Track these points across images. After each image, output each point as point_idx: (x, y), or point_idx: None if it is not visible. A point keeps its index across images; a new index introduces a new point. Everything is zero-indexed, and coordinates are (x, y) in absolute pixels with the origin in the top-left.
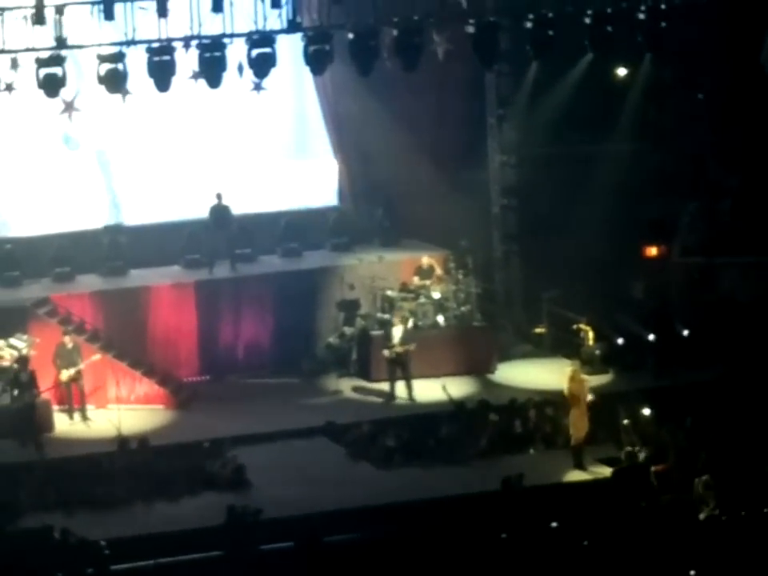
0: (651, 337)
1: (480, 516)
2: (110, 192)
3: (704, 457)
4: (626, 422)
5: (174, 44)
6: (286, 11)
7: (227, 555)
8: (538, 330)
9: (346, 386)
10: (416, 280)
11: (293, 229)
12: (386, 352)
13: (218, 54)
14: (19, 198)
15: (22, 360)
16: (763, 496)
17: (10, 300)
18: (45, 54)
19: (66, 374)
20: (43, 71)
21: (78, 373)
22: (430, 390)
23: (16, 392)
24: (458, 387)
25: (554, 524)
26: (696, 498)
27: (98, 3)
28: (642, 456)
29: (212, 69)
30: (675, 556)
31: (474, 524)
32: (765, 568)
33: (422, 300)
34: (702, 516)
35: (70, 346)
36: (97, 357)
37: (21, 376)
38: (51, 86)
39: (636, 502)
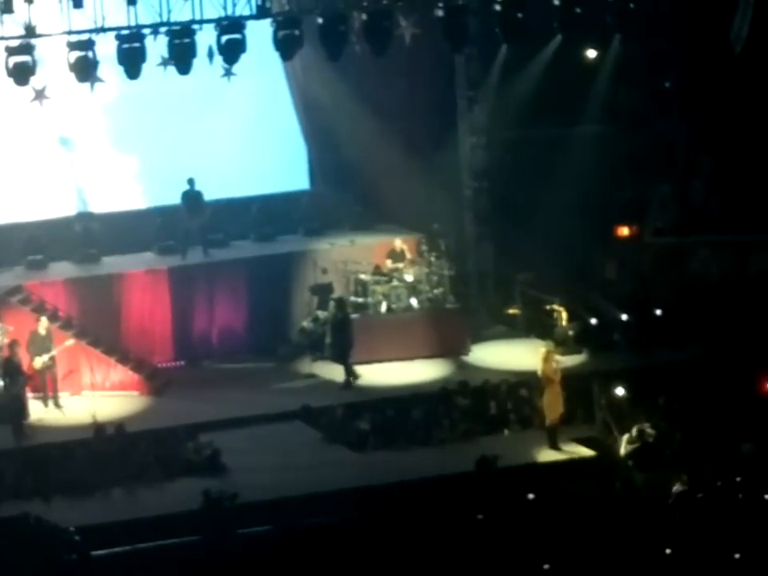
0: (624, 317)
1: (455, 497)
2: (78, 179)
3: (678, 437)
4: (603, 401)
5: (144, 31)
6: None
7: (204, 540)
8: (511, 312)
9: (321, 369)
10: (389, 263)
11: (265, 214)
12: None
13: (187, 40)
14: None
15: (13, 345)
16: (736, 474)
17: None
18: (14, 43)
19: (39, 361)
20: (12, 60)
21: (52, 359)
22: (404, 373)
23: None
24: (432, 369)
25: (531, 495)
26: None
27: None
28: (650, 434)
29: (182, 55)
30: (650, 534)
31: (450, 505)
32: (738, 546)
33: (395, 283)
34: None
35: (43, 333)
36: (70, 342)
37: (13, 360)
38: (21, 74)
39: (612, 481)
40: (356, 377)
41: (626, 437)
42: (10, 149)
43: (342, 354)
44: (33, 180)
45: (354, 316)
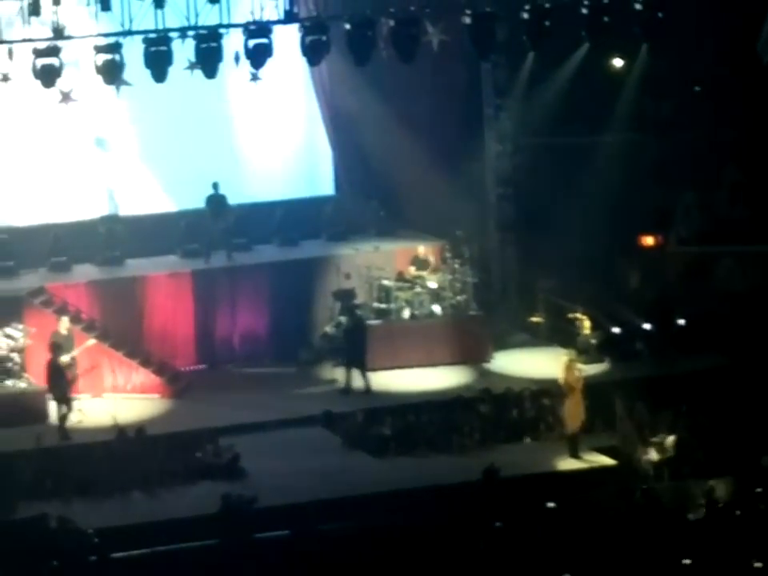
0: (647, 326)
1: (474, 504)
2: (109, 181)
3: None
4: (625, 411)
5: (171, 34)
6: (282, 1)
7: (222, 543)
8: (533, 319)
9: (342, 375)
10: (412, 270)
11: (289, 218)
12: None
13: (214, 44)
14: (15, 187)
15: (56, 347)
16: (758, 485)
17: (5, 290)
18: (41, 45)
19: (61, 362)
20: (40, 62)
21: (73, 359)
22: (426, 379)
23: (11, 381)
24: (454, 376)
25: (551, 504)
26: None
27: None
28: (674, 444)
29: (208, 59)
30: (669, 544)
31: (469, 512)
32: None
33: (418, 289)
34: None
35: (64, 333)
36: (92, 341)
37: (57, 362)
38: (48, 76)
39: (633, 491)
40: (368, 387)
41: (651, 446)
42: (34, 150)
43: (350, 362)
44: (57, 182)
45: (375, 322)
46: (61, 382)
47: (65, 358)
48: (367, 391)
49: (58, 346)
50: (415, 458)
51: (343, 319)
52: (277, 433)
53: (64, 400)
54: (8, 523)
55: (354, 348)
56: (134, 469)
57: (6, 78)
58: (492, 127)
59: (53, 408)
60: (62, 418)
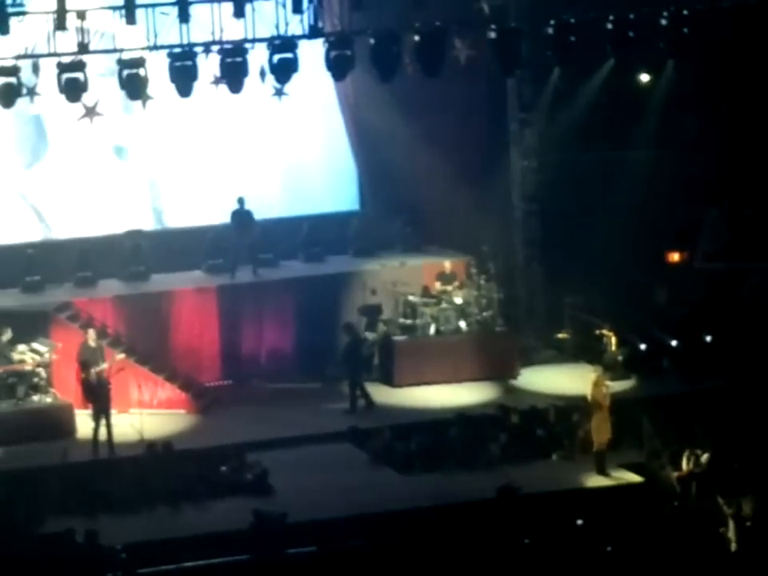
0: (674, 343)
1: (501, 521)
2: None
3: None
4: (654, 428)
5: (196, 49)
6: (307, 17)
7: (253, 559)
8: (560, 336)
9: (369, 391)
10: (438, 285)
11: (315, 234)
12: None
13: (239, 59)
14: (41, 202)
15: (86, 364)
16: None
17: (32, 305)
18: (66, 59)
19: (90, 374)
20: (65, 76)
21: (102, 372)
22: (452, 396)
23: (37, 396)
24: (480, 392)
25: (580, 521)
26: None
27: (120, 8)
28: (704, 461)
29: (233, 74)
30: (697, 561)
31: (495, 529)
32: None
33: (444, 305)
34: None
35: (93, 345)
36: (121, 356)
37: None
38: (73, 90)
39: (659, 507)
40: (370, 403)
41: (683, 462)
42: (59, 165)
43: (352, 379)
44: (83, 197)
45: (401, 338)
46: (101, 395)
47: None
48: (370, 406)
49: (87, 363)
50: (441, 475)
51: (369, 335)
52: (303, 449)
53: (105, 413)
54: (36, 537)
55: (354, 366)
56: (160, 484)
57: (32, 93)
58: (517, 143)
59: (80, 423)
60: (98, 431)
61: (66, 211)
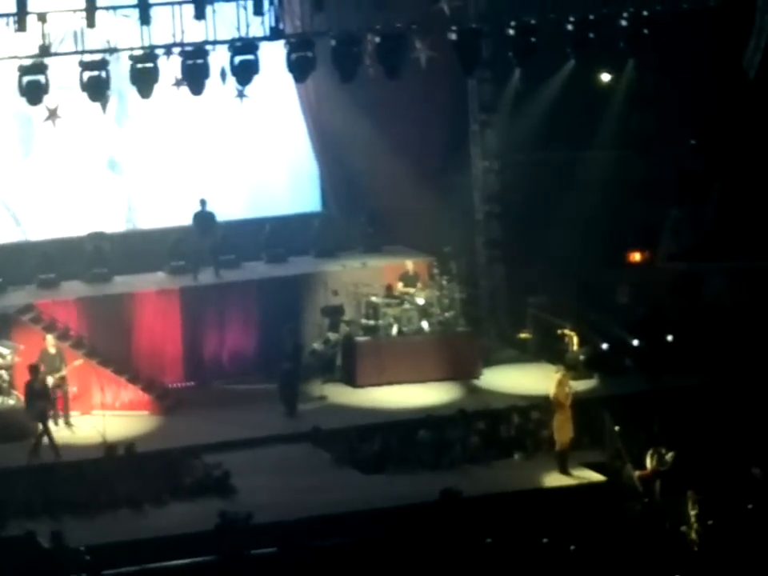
0: (636, 342)
1: (464, 520)
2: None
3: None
4: (616, 428)
5: (157, 51)
6: (268, 18)
7: (217, 560)
8: (522, 336)
9: (331, 391)
10: (400, 286)
11: (277, 235)
12: None
13: (200, 61)
14: (2, 205)
15: (35, 369)
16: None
17: None
18: (27, 62)
19: (49, 380)
20: (26, 79)
21: (62, 378)
22: (414, 396)
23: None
24: (443, 393)
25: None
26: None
27: (81, 11)
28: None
29: (195, 76)
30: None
31: (458, 529)
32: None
33: (407, 306)
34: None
35: (53, 351)
36: (79, 361)
37: (35, 385)
38: (34, 93)
39: (622, 506)
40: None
41: (647, 461)
42: (25, 168)
43: (288, 386)
44: (45, 199)
45: (363, 338)
46: (36, 403)
47: (52, 378)
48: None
49: (35, 368)
50: (405, 475)
51: (332, 336)
52: (266, 449)
53: (41, 420)
54: None
55: (293, 370)
56: (123, 486)
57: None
58: (478, 143)
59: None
60: (39, 436)
61: (27, 214)
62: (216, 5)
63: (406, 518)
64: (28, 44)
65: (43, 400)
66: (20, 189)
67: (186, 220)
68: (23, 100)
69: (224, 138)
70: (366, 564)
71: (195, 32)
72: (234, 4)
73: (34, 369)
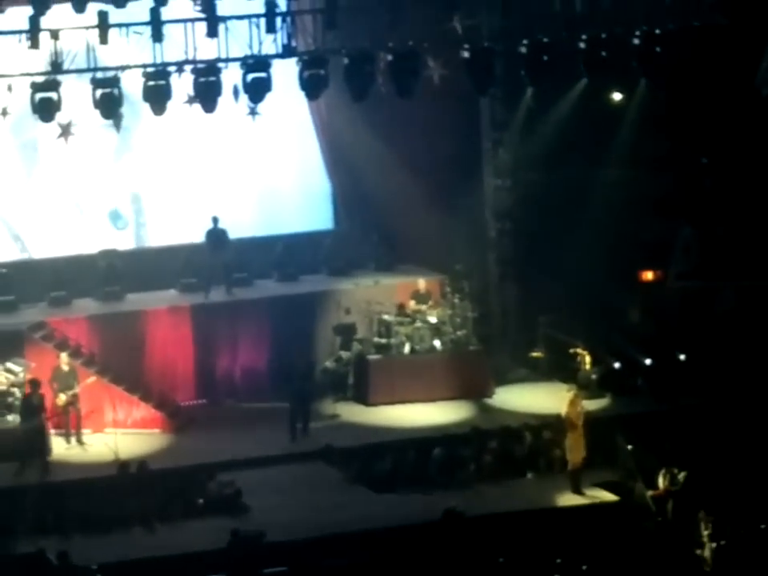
0: (648, 361)
1: (476, 539)
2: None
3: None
4: (629, 447)
5: (169, 68)
6: (281, 36)
7: None
8: (534, 354)
9: (343, 410)
10: (412, 304)
11: (289, 253)
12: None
13: (212, 78)
14: (15, 221)
15: (34, 384)
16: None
17: (6, 324)
18: (40, 79)
19: (62, 398)
20: (38, 96)
21: (75, 396)
22: (427, 415)
23: (11, 416)
24: (455, 411)
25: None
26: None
27: (93, 28)
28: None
29: (207, 93)
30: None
31: (471, 547)
32: None
33: (419, 324)
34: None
35: (66, 369)
36: (92, 379)
37: (32, 399)
38: (46, 110)
39: (635, 526)
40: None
41: (659, 480)
42: (34, 184)
43: (297, 407)
44: (57, 216)
45: (375, 357)
46: (31, 418)
47: (65, 395)
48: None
49: (35, 382)
50: (417, 494)
51: (344, 354)
52: (278, 468)
53: (36, 436)
54: (9, 558)
55: (302, 396)
56: (135, 504)
57: (4, 112)
58: (490, 162)
59: (54, 443)
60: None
61: (39, 231)
62: (228, 22)
63: (415, 536)
64: (39, 61)
65: (38, 415)
66: (24, 208)
67: (198, 237)
68: (36, 117)
69: (236, 156)
70: None
71: (208, 49)
72: (246, 21)
73: (33, 383)
